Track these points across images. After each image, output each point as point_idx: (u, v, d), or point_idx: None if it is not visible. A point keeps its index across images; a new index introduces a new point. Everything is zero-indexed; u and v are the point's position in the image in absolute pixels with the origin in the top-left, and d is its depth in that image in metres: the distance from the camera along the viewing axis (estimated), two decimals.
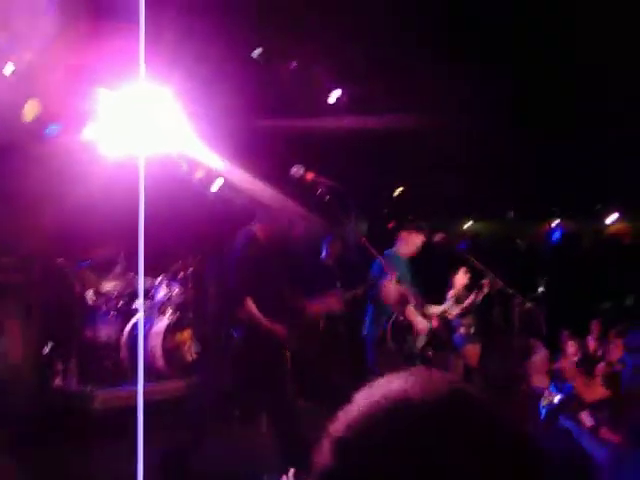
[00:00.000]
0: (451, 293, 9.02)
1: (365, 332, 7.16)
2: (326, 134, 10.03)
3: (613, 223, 13.89)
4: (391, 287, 6.64)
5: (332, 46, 7.69)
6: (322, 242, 10.33)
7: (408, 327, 6.62)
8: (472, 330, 9.78)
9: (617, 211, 13.72)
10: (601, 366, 7.46)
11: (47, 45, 7.13)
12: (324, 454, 0.93)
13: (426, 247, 7.50)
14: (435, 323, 7.00)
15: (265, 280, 5.10)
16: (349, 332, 10.34)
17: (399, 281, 6.77)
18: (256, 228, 5.25)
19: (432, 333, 6.82)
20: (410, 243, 6.98)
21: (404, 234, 7.09)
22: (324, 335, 10.14)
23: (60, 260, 7.88)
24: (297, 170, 4.60)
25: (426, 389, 0.93)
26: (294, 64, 7.94)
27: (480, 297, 9.10)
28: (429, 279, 8.05)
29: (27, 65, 7.23)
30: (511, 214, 12.77)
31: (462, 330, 9.72)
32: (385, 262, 6.75)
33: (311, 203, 5.49)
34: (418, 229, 7.28)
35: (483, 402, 0.93)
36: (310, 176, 4.54)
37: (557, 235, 13.91)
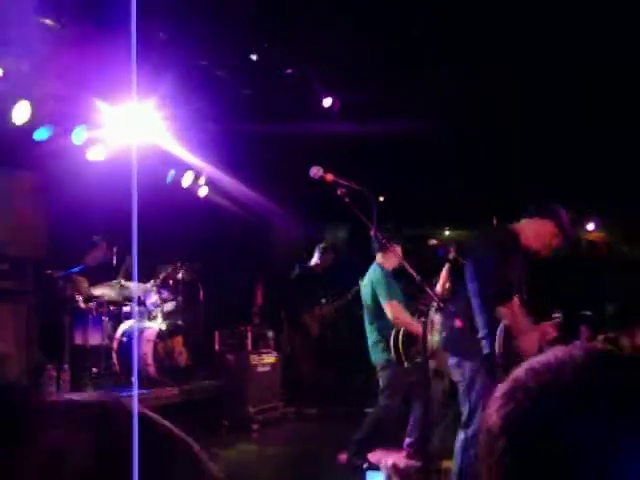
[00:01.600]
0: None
1: (375, 355, 7.06)
2: (314, 141, 10.07)
3: (590, 231, 14.16)
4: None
5: (325, 52, 7.72)
6: (315, 249, 10.40)
7: (413, 341, 6.61)
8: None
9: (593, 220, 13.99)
10: None
11: (37, 49, 7.09)
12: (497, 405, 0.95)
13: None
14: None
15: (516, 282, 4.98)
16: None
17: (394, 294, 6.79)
18: (520, 230, 5.11)
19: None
20: (398, 255, 6.85)
21: (395, 247, 6.94)
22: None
23: (51, 265, 7.80)
24: (317, 171, 4.52)
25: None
26: (287, 70, 7.94)
27: None
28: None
29: (17, 69, 7.16)
30: (494, 221, 12.85)
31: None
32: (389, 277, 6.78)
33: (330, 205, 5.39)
34: (401, 242, 7.22)
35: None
36: (330, 177, 4.47)
37: None
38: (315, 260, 10.27)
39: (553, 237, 5.11)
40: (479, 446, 0.97)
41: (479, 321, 4.85)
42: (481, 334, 4.80)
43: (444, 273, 9.54)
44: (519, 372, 0.96)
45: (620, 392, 0.89)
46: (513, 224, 5.23)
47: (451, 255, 8.88)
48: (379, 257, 6.92)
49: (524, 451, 0.89)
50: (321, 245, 10.51)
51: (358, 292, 9.47)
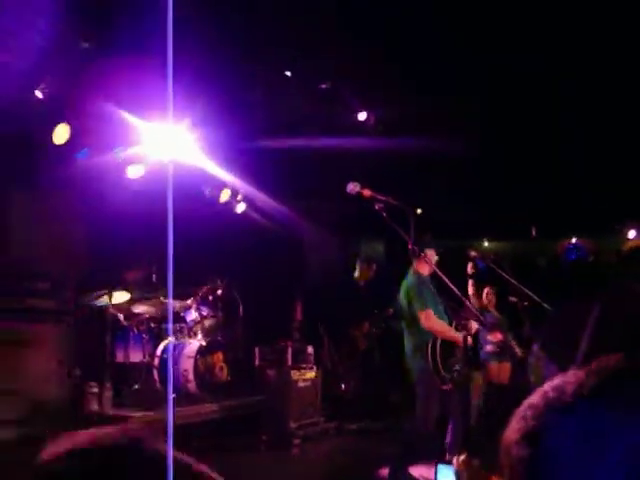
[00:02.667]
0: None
1: (412, 364, 6.95)
2: (347, 155, 10.09)
3: (632, 239, 13.96)
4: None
5: (359, 66, 7.73)
6: (356, 261, 10.43)
7: (452, 350, 6.53)
8: (498, 348, 9.76)
9: (635, 227, 13.81)
10: None
11: (76, 72, 7.21)
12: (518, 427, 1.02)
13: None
14: (470, 341, 6.91)
15: None
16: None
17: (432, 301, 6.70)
18: None
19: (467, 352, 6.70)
20: (431, 262, 6.86)
21: (429, 254, 6.95)
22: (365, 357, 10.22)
23: (92, 284, 7.88)
24: (354, 187, 4.52)
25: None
26: (321, 85, 7.96)
27: None
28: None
29: (57, 91, 7.28)
30: (532, 232, 12.80)
31: (489, 348, 9.70)
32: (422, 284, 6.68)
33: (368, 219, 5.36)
34: (435, 248, 7.21)
35: None
36: (367, 192, 4.47)
37: (577, 252, 13.92)
38: (357, 273, 10.33)
39: None
40: (500, 460, 1.04)
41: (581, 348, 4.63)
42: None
43: (470, 289, 9.46)
44: (534, 394, 1.04)
45: (615, 403, 0.94)
46: None
47: (470, 269, 8.81)
48: (414, 264, 6.86)
49: (533, 464, 0.96)
50: (362, 258, 10.54)
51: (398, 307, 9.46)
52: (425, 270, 6.72)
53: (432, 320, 6.55)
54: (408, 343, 6.92)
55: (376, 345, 10.52)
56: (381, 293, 10.25)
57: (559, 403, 0.98)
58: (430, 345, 6.55)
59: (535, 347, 4.98)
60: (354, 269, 10.44)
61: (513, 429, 1.01)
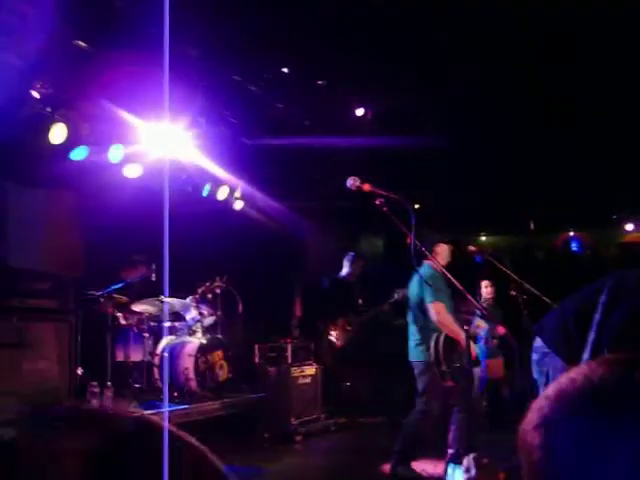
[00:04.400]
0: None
1: (415, 357, 6.94)
2: (345, 151, 10.09)
3: (629, 232, 13.98)
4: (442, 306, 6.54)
5: (356, 62, 7.72)
6: (344, 259, 10.42)
7: (454, 346, 6.51)
8: (495, 343, 9.76)
9: (632, 221, 13.82)
10: None
11: (72, 71, 7.20)
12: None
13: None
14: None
15: None
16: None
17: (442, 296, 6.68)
18: None
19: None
20: (444, 255, 6.87)
21: (439, 247, 6.95)
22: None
23: (91, 283, 7.88)
24: (354, 182, 4.51)
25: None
26: (318, 81, 7.95)
27: None
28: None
29: (53, 90, 7.27)
30: (531, 226, 12.82)
31: (487, 343, 9.69)
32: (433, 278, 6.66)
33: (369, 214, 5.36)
34: (447, 241, 7.22)
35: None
36: (367, 187, 4.47)
37: (574, 245, 13.95)
38: (346, 270, 10.30)
39: None
40: (519, 447, 1.05)
41: (589, 339, 4.59)
42: (585, 355, 4.58)
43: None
44: (550, 386, 1.06)
45: (624, 394, 0.95)
46: None
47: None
48: (428, 261, 6.84)
49: (548, 450, 0.98)
50: (349, 255, 10.51)
51: (396, 302, 9.45)
52: (439, 264, 6.73)
53: (442, 313, 6.54)
54: (413, 336, 6.89)
55: (367, 340, 10.51)
56: (377, 289, 10.26)
57: (572, 396, 0.99)
58: (434, 339, 6.55)
59: (538, 342, 4.92)
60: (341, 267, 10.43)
61: (529, 421, 1.03)
